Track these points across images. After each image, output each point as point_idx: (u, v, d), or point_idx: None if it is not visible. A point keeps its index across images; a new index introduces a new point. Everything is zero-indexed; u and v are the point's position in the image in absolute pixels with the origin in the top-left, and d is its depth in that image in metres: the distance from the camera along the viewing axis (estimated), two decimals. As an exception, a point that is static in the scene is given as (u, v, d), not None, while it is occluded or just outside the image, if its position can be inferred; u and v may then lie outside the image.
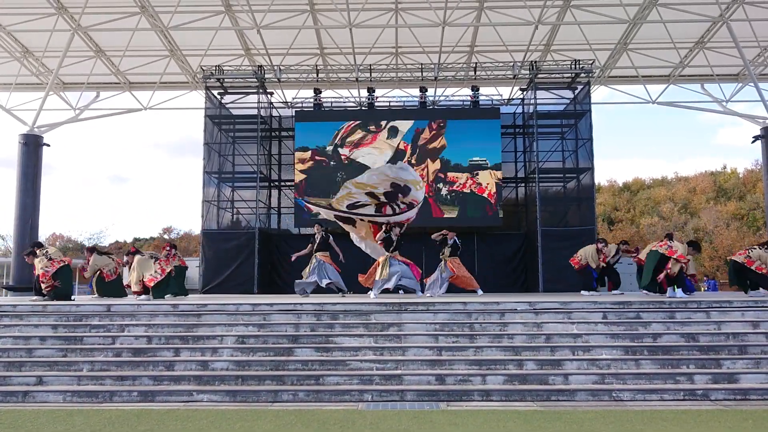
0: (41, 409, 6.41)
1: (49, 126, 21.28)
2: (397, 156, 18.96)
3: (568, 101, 19.88)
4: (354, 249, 15.65)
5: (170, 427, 5.56)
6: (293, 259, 13.87)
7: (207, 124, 19.32)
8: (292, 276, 14.28)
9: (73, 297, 12.06)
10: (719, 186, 46.91)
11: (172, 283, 12.45)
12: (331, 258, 13.35)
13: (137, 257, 12.45)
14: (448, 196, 19.08)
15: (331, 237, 13.44)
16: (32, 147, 19.96)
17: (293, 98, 21.57)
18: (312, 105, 20.55)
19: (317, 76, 20.14)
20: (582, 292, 13.92)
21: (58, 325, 8.82)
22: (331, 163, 19.31)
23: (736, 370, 7.25)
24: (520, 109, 20.86)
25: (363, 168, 17.50)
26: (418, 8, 18.28)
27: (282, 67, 19.62)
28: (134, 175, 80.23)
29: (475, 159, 19.22)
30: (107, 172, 78.79)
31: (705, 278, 32.32)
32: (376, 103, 20.61)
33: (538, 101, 19.21)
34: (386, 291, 12.57)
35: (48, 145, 20.47)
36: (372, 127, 19.38)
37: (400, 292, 13.44)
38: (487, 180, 19.00)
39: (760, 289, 11.60)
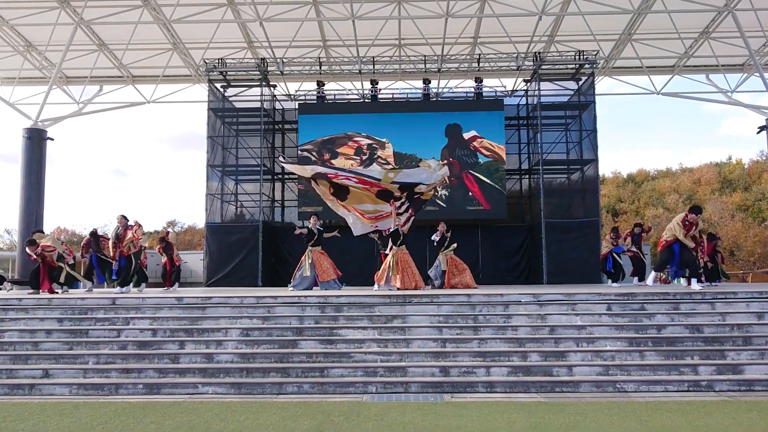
0: (47, 402, 6.44)
1: (52, 120, 21.33)
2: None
3: (572, 92, 19.80)
4: (353, 246, 15.50)
5: (175, 419, 5.58)
6: (297, 233, 13.26)
7: (210, 118, 19.32)
8: (296, 268, 14.22)
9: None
10: (724, 177, 46.67)
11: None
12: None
13: None
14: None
15: (324, 231, 13.20)
16: (36, 141, 20.00)
17: (296, 91, 21.53)
18: (315, 97, 20.55)
19: (320, 68, 20.08)
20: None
21: (64, 318, 8.87)
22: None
23: (741, 361, 7.23)
24: (524, 101, 20.80)
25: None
26: (420, -1, 18.21)
27: (285, 60, 19.58)
28: (135, 169, 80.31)
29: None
30: (110, 166, 78.93)
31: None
32: (379, 96, 20.58)
33: (542, 92, 19.15)
34: None
35: (52, 139, 20.52)
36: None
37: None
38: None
39: None
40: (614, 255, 14.11)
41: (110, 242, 12.62)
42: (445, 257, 13.27)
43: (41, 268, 11.97)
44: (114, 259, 12.60)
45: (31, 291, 12.01)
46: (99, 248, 12.97)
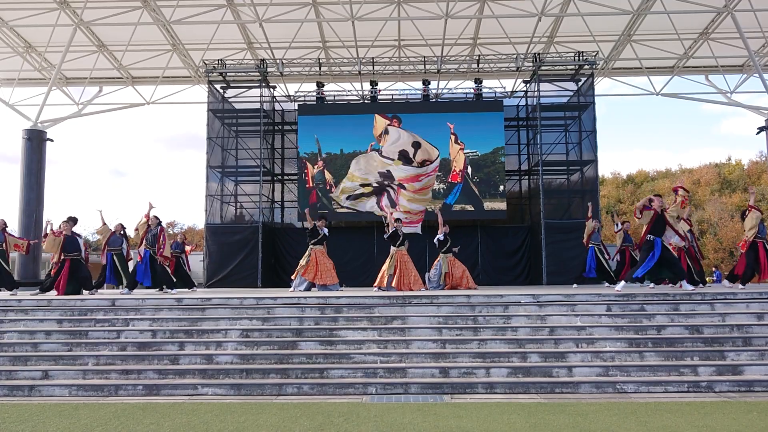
0: (47, 403, 6.43)
1: (52, 121, 21.36)
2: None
3: (571, 93, 19.82)
4: (353, 246, 15.35)
5: (175, 420, 5.58)
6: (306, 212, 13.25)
7: (210, 119, 19.32)
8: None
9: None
10: (723, 178, 46.77)
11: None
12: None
13: None
14: (441, 190, 19.15)
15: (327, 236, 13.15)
16: (35, 142, 20.03)
17: (296, 92, 21.52)
18: (315, 98, 20.55)
19: (320, 69, 20.08)
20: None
21: (63, 320, 8.86)
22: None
23: (741, 361, 7.23)
24: (523, 102, 20.81)
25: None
26: (420, 0, 18.20)
27: (284, 61, 19.57)
28: (133, 169, 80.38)
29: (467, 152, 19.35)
30: (109, 166, 78.99)
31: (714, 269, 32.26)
32: (379, 97, 20.58)
33: (542, 93, 19.16)
34: None
35: (51, 141, 20.53)
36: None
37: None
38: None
39: None
40: (596, 250, 13.75)
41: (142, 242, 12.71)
42: (446, 258, 13.32)
43: (64, 273, 11.53)
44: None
45: (35, 292, 11.89)
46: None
